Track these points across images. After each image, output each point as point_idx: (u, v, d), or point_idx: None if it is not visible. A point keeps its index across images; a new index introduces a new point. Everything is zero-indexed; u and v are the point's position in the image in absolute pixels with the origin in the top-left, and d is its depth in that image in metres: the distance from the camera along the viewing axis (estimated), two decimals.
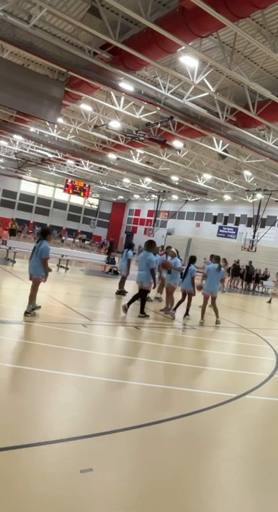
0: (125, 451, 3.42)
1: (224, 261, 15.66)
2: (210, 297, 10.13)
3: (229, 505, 2.96)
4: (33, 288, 7.37)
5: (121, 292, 12.16)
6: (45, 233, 7.69)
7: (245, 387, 5.54)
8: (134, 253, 12.95)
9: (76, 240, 41.28)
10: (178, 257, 11.06)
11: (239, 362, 7.39)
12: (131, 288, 12.93)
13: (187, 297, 10.20)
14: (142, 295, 9.29)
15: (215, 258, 10.33)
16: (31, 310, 7.30)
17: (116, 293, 12.18)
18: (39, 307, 7.56)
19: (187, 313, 10.11)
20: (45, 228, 8.67)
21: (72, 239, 40.66)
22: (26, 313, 7.24)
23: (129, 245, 12.68)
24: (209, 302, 10.25)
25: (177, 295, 10.40)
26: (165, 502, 2.81)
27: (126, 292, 12.17)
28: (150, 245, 9.48)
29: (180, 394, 5.04)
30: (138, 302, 9.30)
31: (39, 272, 7.35)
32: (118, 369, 5.64)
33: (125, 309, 9.08)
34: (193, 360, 6.92)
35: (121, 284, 12.27)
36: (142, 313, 9.16)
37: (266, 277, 26.54)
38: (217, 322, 10.00)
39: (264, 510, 3.00)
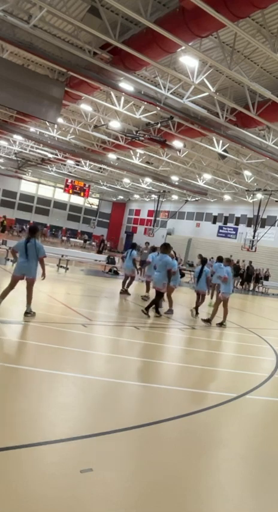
0: (125, 451, 3.42)
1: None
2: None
3: (229, 505, 2.96)
4: (29, 289, 7.32)
5: (125, 291, 12.20)
6: (34, 231, 7.59)
7: (245, 387, 5.54)
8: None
9: (71, 239, 41.66)
10: (176, 259, 11.19)
11: (239, 362, 7.40)
12: (132, 289, 12.93)
13: (199, 297, 10.57)
14: (158, 297, 9.55)
15: (227, 261, 10.43)
16: (30, 310, 7.30)
17: (120, 292, 12.27)
18: (34, 313, 7.35)
19: (197, 312, 10.38)
20: (34, 225, 8.50)
21: (59, 238, 41.34)
22: (26, 313, 7.24)
23: (133, 245, 12.90)
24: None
25: (177, 296, 10.41)
26: (165, 502, 2.81)
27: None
28: (166, 248, 9.77)
29: (180, 394, 5.04)
30: (141, 303, 9.33)
31: (34, 272, 7.34)
32: (118, 369, 5.63)
33: (145, 314, 9.26)
34: (193, 359, 6.92)
35: (125, 283, 12.35)
36: (146, 310, 9.26)
37: (266, 277, 26.55)
38: (224, 325, 9.97)
39: (264, 510, 3.00)
